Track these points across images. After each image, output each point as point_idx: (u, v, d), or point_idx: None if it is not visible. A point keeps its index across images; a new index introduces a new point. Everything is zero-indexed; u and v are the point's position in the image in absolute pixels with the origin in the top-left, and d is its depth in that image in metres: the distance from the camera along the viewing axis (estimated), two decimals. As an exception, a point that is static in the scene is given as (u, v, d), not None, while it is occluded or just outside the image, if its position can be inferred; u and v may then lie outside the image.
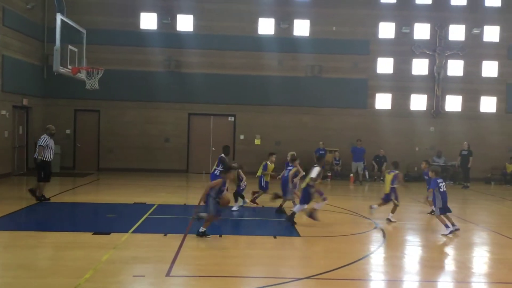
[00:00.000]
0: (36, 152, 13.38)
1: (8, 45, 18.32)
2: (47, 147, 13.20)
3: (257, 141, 22.41)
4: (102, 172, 21.16)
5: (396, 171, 11.98)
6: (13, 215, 11.51)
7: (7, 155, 18.63)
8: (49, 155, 13.29)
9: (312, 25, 22.35)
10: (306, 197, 11.14)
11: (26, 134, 20.38)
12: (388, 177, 12.10)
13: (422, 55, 22.60)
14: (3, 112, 18.12)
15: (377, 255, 9.06)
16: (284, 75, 22.20)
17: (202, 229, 9.56)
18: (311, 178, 11.05)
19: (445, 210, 10.71)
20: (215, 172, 12.24)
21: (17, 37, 18.96)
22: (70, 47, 13.82)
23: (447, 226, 10.62)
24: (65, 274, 7.20)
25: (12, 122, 19.01)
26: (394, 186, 11.90)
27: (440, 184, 10.77)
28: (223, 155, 12.58)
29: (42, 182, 13.24)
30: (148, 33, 21.92)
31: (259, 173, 13.62)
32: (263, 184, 13.52)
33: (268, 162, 13.65)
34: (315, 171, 11.14)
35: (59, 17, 12.92)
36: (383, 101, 22.77)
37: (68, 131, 21.79)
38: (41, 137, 13.41)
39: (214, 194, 9.47)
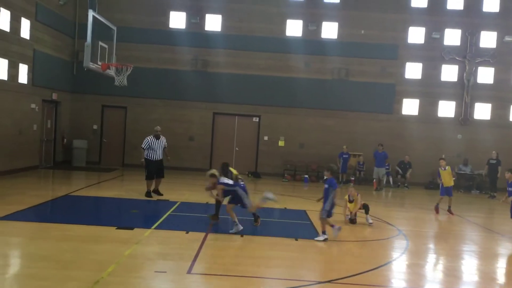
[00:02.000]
0: None
1: (40, 40, 18.70)
2: (149, 148, 13.96)
3: (281, 143, 22.38)
4: (127, 168, 21.40)
5: None
6: (39, 207, 11.73)
7: (35, 148, 19.00)
8: (153, 155, 14.00)
9: (340, 27, 22.23)
10: None
11: (54, 128, 20.77)
12: None
13: (451, 61, 22.26)
14: (33, 105, 18.50)
15: (399, 262, 8.95)
16: (310, 78, 22.14)
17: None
18: None
19: (330, 214, 10.09)
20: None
21: (48, 33, 19.34)
22: (100, 43, 14.01)
23: (324, 233, 9.94)
24: (88, 267, 7.29)
25: (41, 115, 19.39)
26: None
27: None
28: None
29: (147, 180, 14.12)
30: (176, 32, 22.12)
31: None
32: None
33: (440, 169, 14.38)
34: None
35: (91, 14, 13.10)
36: (410, 106, 22.50)
37: (95, 127, 22.14)
38: (145, 138, 14.19)
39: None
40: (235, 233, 10.00)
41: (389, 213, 14.11)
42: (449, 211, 14.15)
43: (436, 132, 22.20)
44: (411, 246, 9.98)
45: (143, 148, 14.15)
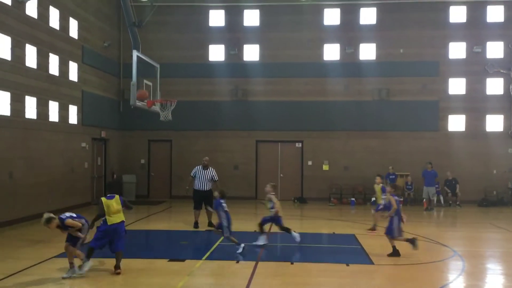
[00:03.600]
0: None
1: (87, 81, 19.53)
2: (195, 177, 14.29)
3: (325, 167, 22.26)
4: (175, 200, 21.75)
5: None
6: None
7: (87, 185, 19.65)
8: (198, 185, 14.26)
9: (378, 48, 22.17)
10: None
11: (104, 165, 21.44)
12: None
13: (496, 74, 21.72)
14: (83, 144, 19.21)
15: (456, 284, 8.67)
16: (350, 100, 22.08)
17: None
18: None
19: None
20: None
21: (95, 74, 20.19)
22: (145, 81, 14.51)
23: (239, 244, 10.60)
24: (144, 300, 7.43)
25: (92, 153, 20.09)
26: None
27: (223, 204, 10.77)
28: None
29: (194, 210, 14.33)
30: (216, 64, 22.65)
31: None
32: None
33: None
34: None
35: (135, 54, 13.64)
36: (456, 122, 22.02)
37: (142, 161, 22.75)
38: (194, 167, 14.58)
39: None
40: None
41: (442, 234, 13.74)
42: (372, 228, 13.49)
43: (485, 148, 21.55)
44: (467, 267, 9.67)
45: (192, 176, 14.38)
